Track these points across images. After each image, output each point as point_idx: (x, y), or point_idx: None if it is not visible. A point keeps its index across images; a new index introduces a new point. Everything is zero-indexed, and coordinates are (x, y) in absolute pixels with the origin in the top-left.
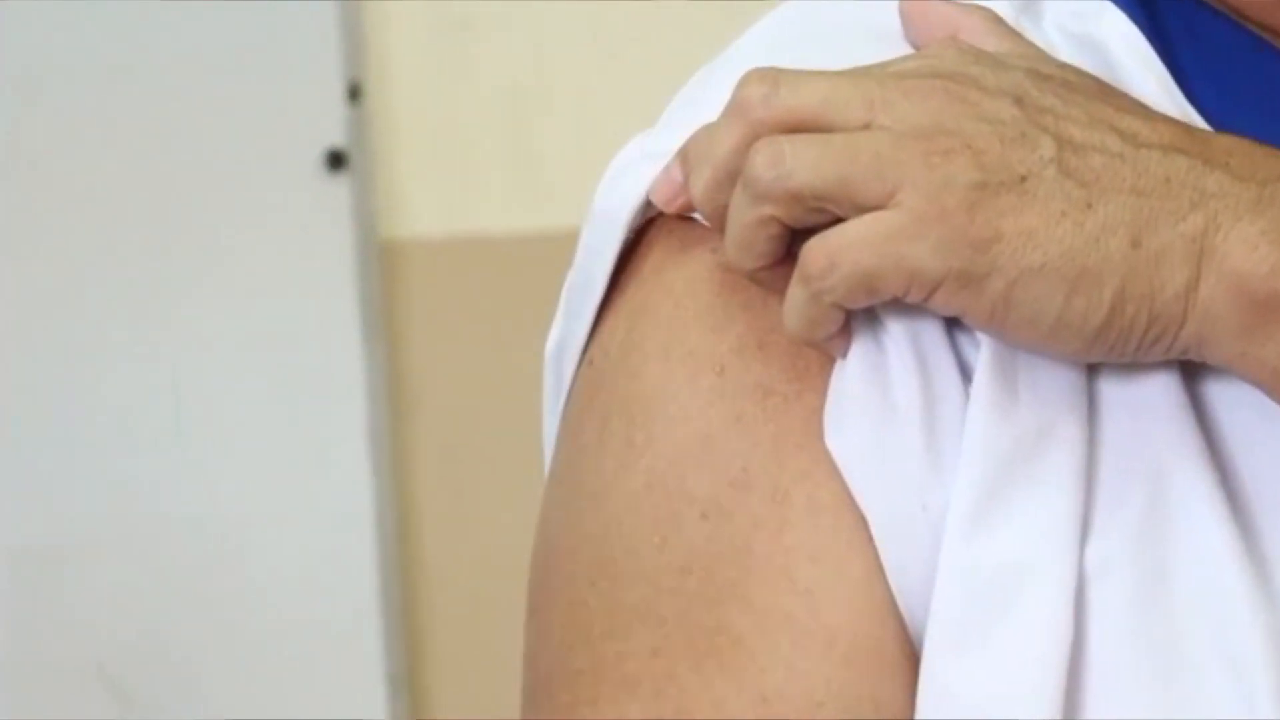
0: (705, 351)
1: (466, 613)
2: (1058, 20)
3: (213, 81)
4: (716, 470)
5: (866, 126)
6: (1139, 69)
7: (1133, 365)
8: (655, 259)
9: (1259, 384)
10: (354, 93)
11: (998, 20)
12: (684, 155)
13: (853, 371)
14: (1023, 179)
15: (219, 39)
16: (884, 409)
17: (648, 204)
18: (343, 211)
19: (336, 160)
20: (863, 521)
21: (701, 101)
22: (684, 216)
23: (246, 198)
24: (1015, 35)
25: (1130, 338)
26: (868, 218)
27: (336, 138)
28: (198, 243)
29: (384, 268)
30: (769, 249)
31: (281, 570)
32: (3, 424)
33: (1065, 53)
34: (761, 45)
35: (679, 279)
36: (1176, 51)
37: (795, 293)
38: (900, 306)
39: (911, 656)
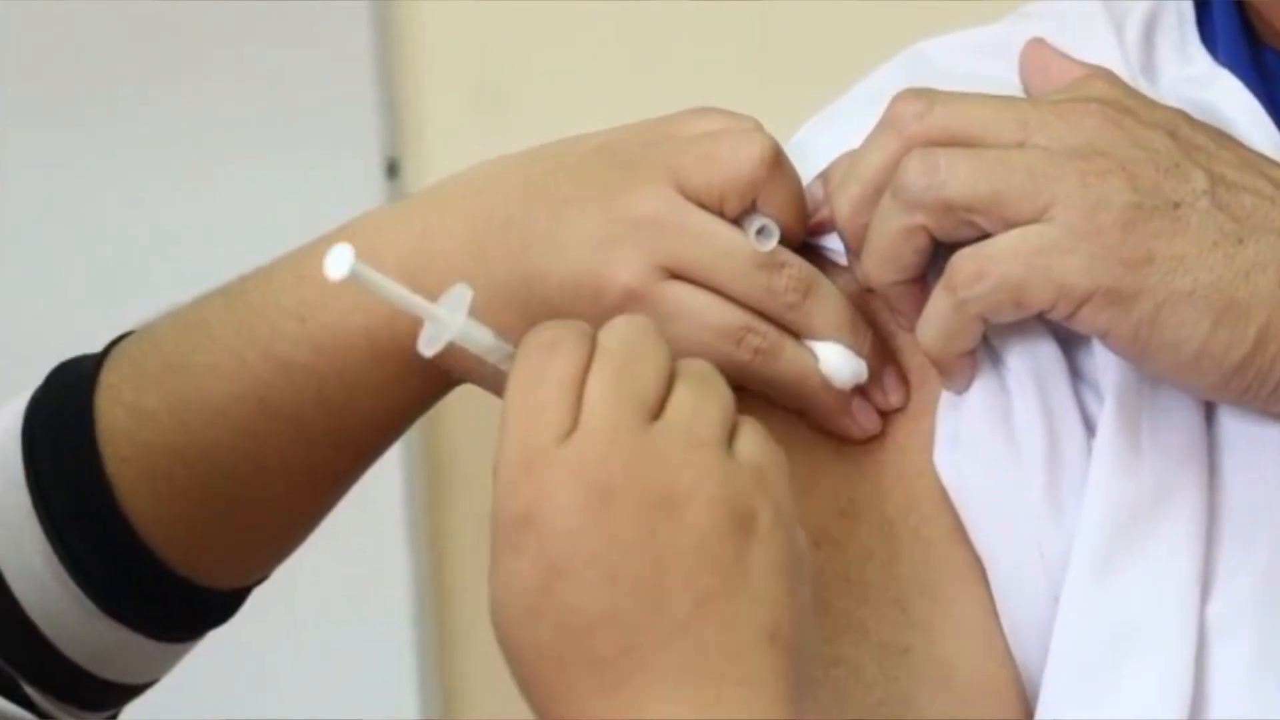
0: None
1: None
2: (1173, 86)
3: (258, 160)
4: (825, 500)
5: (1020, 145)
6: (1256, 135)
7: (1255, 419)
8: None
9: None
10: (392, 170)
11: (1118, 79)
12: (827, 175)
13: (974, 405)
14: (1176, 205)
15: (263, 120)
16: (1006, 449)
17: None
18: None
19: None
20: (974, 559)
21: (809, 147)
22: (809, 245)
23: None
24: (1139, 94)
25: (1269, 378)
26: (1019, 230)
27: None
28: None
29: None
30: (913, 261)
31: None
32: None
33: None
34: (873, 94)
35: None
36: None
37: (939, 302)
38: (1024, 343)
39: (1025, 699)
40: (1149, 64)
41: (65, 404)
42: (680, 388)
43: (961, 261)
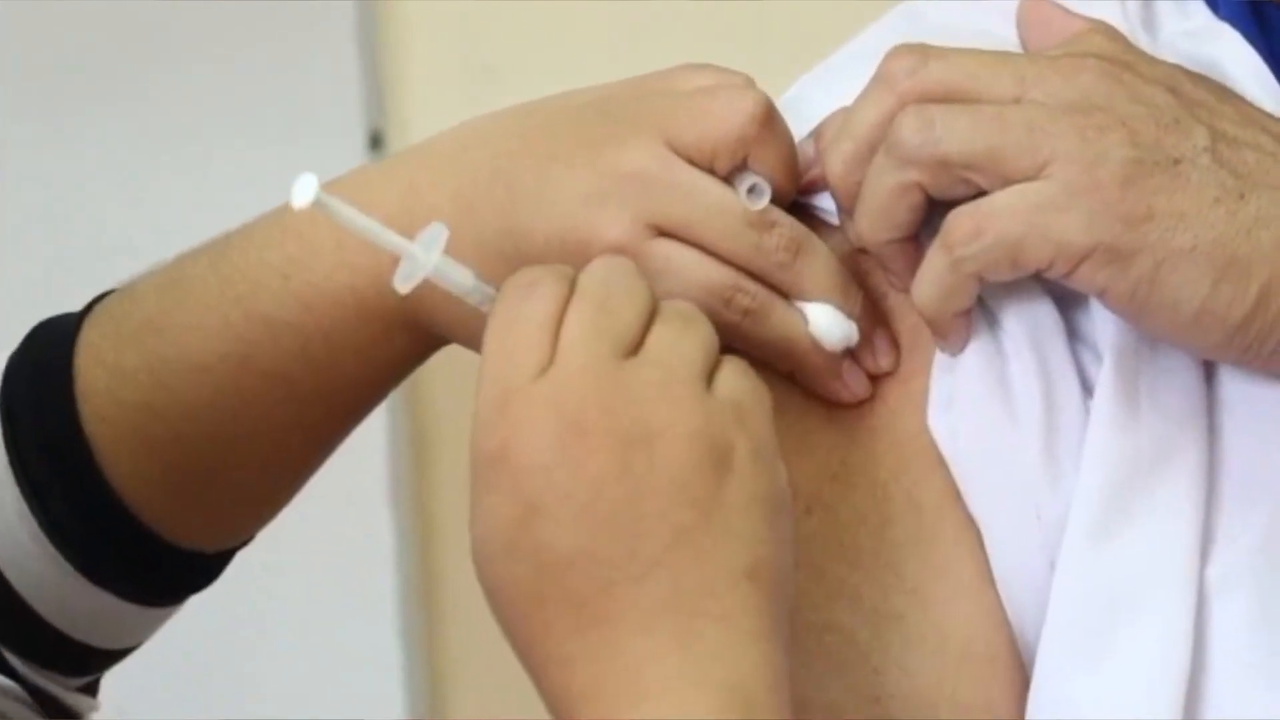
0: None
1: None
2: (1171, 40)
3: (239, 133)
4: (817, 464)
5: (1017, 100)
6: (1256, 90)
7: (1254, 379)
8: None
9: None
10: (375, 141)
11: (1118, 33)
12: (819, 132)
13: (969, 367)
14: (1176, 161)
15: (246, 93)
16: (1002, 411)
17: None
18: None
19: None
20: (968, 523)
21: (802, 104)
22: (800, 205)
23: None
24: (1140, 50)
25: (1271, 336)
26: (1017, 187)
27: None
28: None
29: None
30: (907, 220)
31: (296, 592)
32: None
33: None
34: (866, 50)
35: None
36: None
37: (935, 260)
38: (1020, 303)
39: (1022, 665)
40: (1149, 18)
41: (44, 362)
42: (659, 326)
43: (958, 219)
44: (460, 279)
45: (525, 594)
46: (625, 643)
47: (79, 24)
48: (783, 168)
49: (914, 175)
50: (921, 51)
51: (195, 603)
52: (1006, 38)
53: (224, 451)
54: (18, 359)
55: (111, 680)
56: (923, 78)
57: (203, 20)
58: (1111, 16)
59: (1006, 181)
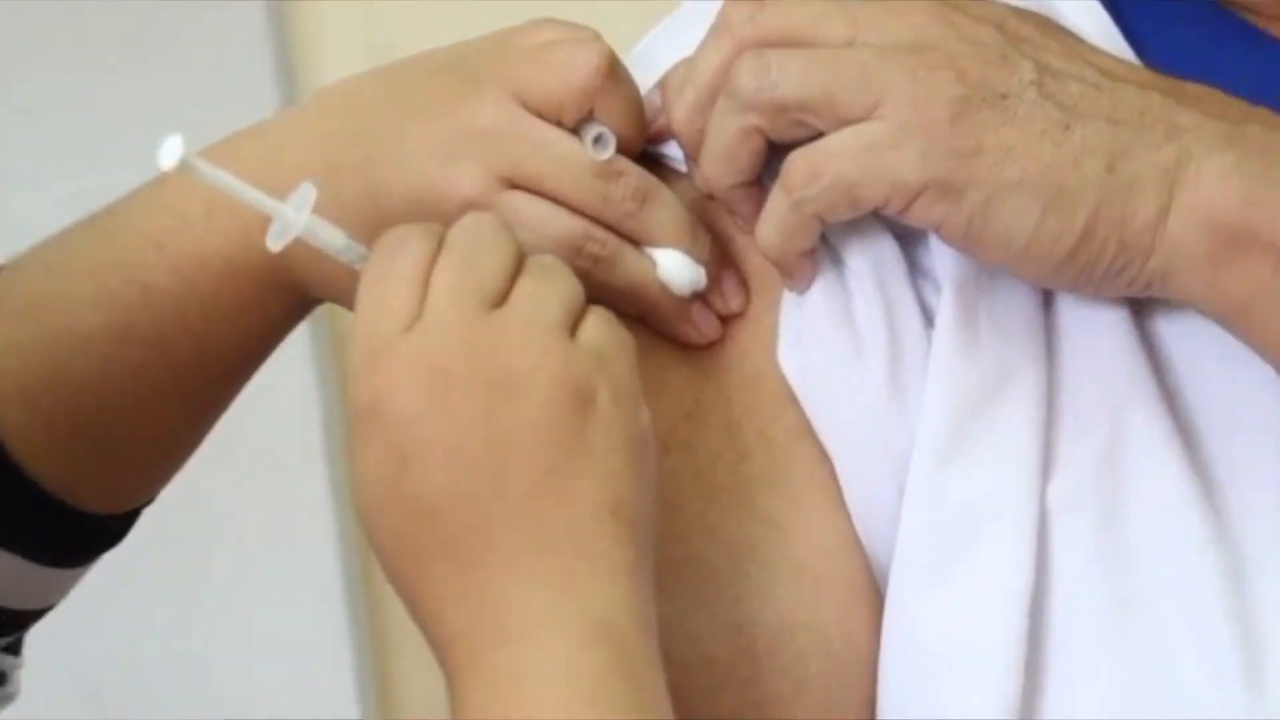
0: None
1: None
2: None
3: (159, 123)
4: (672, 404)
5: (850, 43)
6: (1092, 30)
7: (1090, 304)
8: None
9: (1221, 318)
10: None
11: None
12: (664, 82)
13: (815, 304)
14: (1003, 96)
15: (161, 81)
16: (849, 345)
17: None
18: None
19: None
20: (821, 455)
21: (649, 56)
22: (650, 155)
23: None
24: None
25: (1099, 264)
26: (851, 129)
27: None
28: None
29: None
30: (750, 163)
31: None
32: None
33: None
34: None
35: None
36: (1130, 15)
37: (776, 203)
38: (864, 241)
39: (877, 590)
40: None
41: None
42: (524, 279)
43: (796, 162)
44: (331, 238)
45: (402, 541)
46: (495, 584)
47: None
48: (628, 118)
49: (753, 119)
50: None
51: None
52: None
53: (113, 419)
54: None
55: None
56: (760, 23)
57: (120, 20)
58: None
59: (842, 123)
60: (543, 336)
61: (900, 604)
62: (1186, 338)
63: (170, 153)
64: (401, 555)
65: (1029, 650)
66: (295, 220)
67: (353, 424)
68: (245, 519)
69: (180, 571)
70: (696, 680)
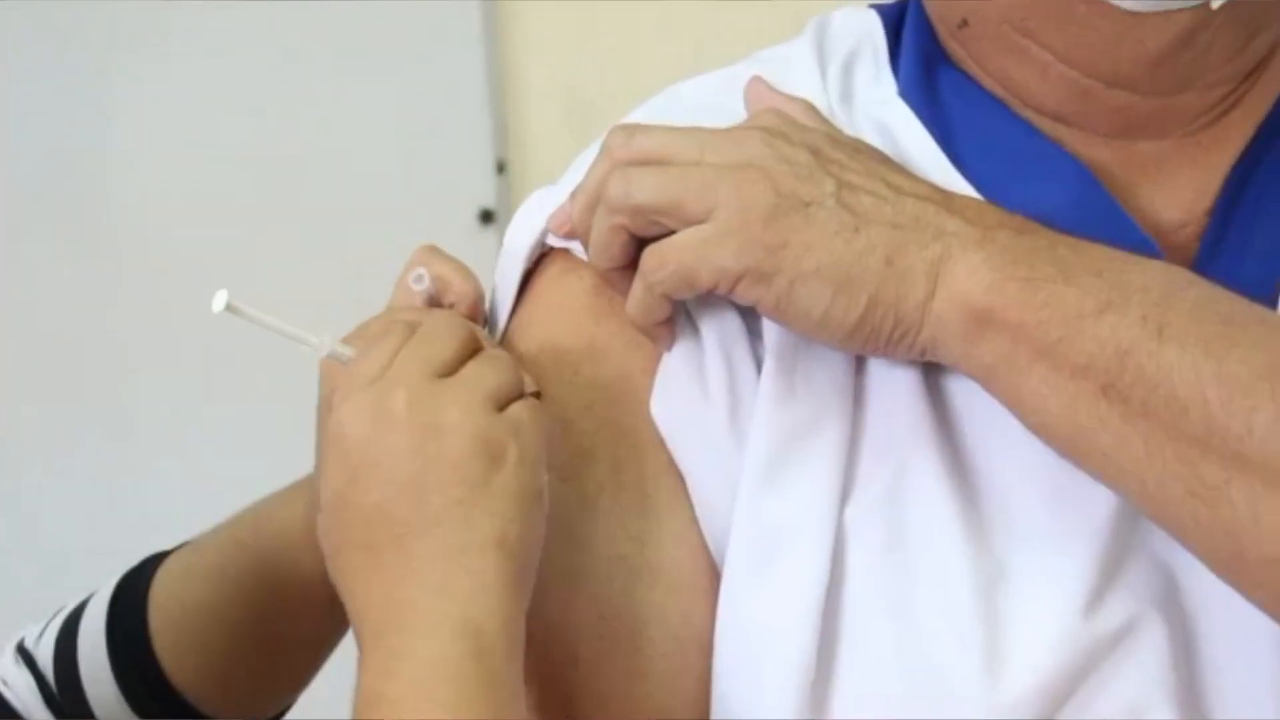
0: (568, 352)
1: None
2: (865, 108)
3: (389, 159)
4: (573, 445)
5: (697, 162)
6: (915, 145)
7: (891, 365)
8: (542, 283)
9: (978, 379)
10: (500, 167)
11: (812, 106)
12: (573, 194)
13: (676, 362)
14: (808, 205)
15: (394, 127)
16: (701, 395)
17: (542, 241)
18: (491, 255)
19: (487, 217)
20: (681, 486)
21: (585, 165)
22: (565, 251)
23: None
24: (821, 117)
25: (880, 334)
26: (692, 229)
27: (488, 200)
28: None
29: None
30: (619, 253)
31: None
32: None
33: (869, 134)
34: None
35: (555, 297)
36: (951, 128)
37: (636, 286)
38: (714, 313)
39: (718, 590)
40: (846, 92)
41: (129, 625)
42: (473, 362)
43: (649, 254)
44: (344, 350)
45: (341, 540)
46: (401, 585)
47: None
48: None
49: (620, 220)
50: (631, 128)
51: None
52: (738, 110)
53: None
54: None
55: None
56: (631, 147)
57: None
58: (814, 93)
59: (686, 223)
60: (474, 402)
61: (729, 599)
62: (968, 394)
63: (218, 301)
64: (340, 549)
65: (827, 642)
66: (319, 343)
67: (321, 446)
68: None
69: None
70: (569, 663)
